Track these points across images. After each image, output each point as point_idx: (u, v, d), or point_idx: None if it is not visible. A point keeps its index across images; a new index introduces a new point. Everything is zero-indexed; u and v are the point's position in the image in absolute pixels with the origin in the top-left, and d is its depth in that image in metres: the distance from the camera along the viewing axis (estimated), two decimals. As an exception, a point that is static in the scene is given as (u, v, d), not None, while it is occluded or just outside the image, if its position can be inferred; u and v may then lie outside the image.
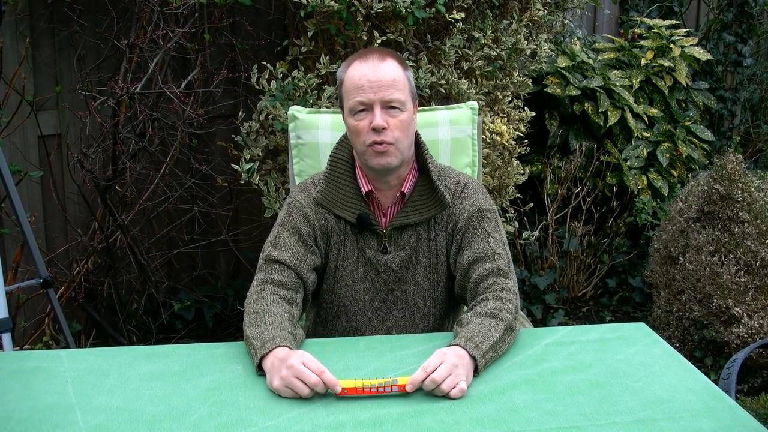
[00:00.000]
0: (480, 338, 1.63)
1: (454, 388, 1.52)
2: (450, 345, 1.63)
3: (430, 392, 1.53)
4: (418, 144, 1.94)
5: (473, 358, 1.59)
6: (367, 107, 1.82)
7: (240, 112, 3.17)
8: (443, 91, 3.15)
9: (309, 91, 3.01)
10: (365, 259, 1.92)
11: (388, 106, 1.81)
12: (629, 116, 4.07)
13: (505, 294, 1.78)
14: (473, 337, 1.63)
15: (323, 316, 2.00)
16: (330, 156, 1.96)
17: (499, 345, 1.67)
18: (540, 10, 3.41)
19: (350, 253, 1.93)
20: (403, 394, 1.53)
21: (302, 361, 1.54)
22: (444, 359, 1.55)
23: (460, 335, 1.65)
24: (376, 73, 1.81)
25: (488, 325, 1.68)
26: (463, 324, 1.71)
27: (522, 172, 3.50)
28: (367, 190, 1.91)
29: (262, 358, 1.60)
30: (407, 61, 3.01)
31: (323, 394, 1.53)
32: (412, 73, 1.91)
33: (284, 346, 1.61)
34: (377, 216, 1.92)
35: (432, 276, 1.94)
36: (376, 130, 1.80)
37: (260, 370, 1.62)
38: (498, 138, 3.29)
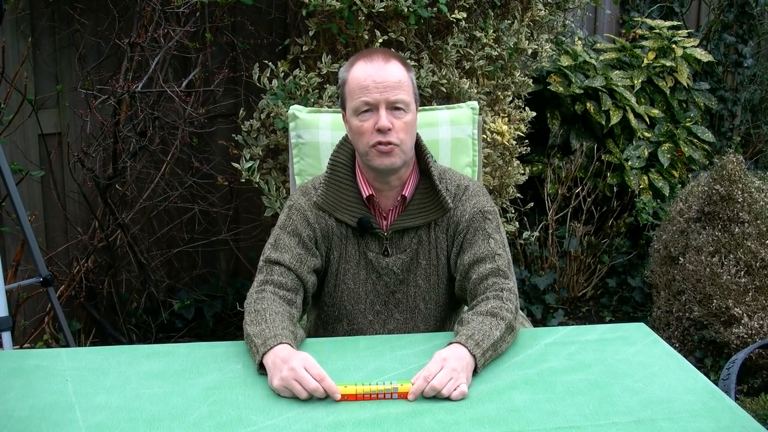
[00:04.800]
0: (481, 336, 1.64)
1: (455, 390, 1.52)
2: (450, 343, 1.63)
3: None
4: (419, 146, 1.93)
5: (473, 356, 1.59)
6: (372, 108, 1.81)
7: (241, 111, 3.18)
8: (444, 90, 3.15)
9: (310, 90, 3.01)
10: (366, 261, 1.92)
11: (393, 107, 1.81)
12: (631, 116, 4.07)
13: (505, 294, 1.78)
14: (474, 335, 1.63)
15: (324, 319, 2.00)
16: (330, 159, 1.95)
17: (499, 344, 1.67)
18: (541, 10, 3.41)
19: (351, 257, 1.92)
20: (402, 393, 1.53)
21: (304, 365, 1.53)
22: (444, 365, 1.55)
23: (460, 333, 1.65)
24: (381, 74, 1.80)
25: (489, 324, 1.68)
26: (463, 323, 1.71)
27: (522, 172, 3.50)
28: (367, 194, 1.90)
29: (264, 355, 1.60)
30: (409, 61, 3.02)
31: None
32: (414, 75, 1.91)
33: (286, 343, 1.61)
34: (378, 219, 1.92)
35: (432, 278, 1.94)
36: (381, 131, 1.80)
37: (261, 369, 1.62)
38: (499, 138, 3.29)
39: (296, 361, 1.54)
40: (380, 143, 1.81)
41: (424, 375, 1.53)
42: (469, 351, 1.60)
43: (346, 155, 1.94)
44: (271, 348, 1.60)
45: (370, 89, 1.80)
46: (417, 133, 1.92)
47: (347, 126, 1.90)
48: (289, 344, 1.62)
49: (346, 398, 1.51)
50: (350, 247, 1.92)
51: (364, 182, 1.91)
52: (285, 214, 1.93)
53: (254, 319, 1.71)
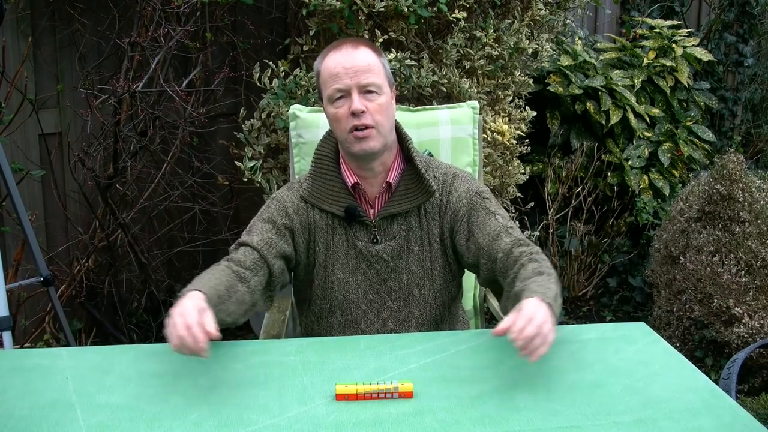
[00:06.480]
0: (543, 292, 1.58)
1: (549, 336, 1.49)
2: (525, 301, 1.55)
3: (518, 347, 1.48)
4: (401, 134, 1.95)
5: (549, 305, 1.54)
6: (345, 93, 1.83)
7: (241, 110, 3.18)
8: (444, 90, 3.15)
9: (311, 89, 3.01)
10: (356, 251, 1.93)
11: (365, 90, 1.83)
12: (631, 116, 4.06)
13: (536, 257, 1.75)
14: (538, 293, 1.57)
15: (318, 313, 2.00)
16: (314, 153, 1.98)
17: (557, 297, 1.63)
18: (542, 9, 3.41)
19: (339, 247, 1.93)
20: (403, 393, 1.53)
21: (186, 307, 1.53)
22: (537, 310, 1.50)
23: (527, 293, 1.59)
24: (350, 60, 1.83)
25: (541, 281, 1.63)
26: (519, 295, 1.63)
27: (523, 171, 3.50)
28: (352, 182, 1.92)
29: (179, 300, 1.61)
30: (409, 60, 3.02)
31: (323, 395, 1.53)
32: (387, 62, 1.92)
33: (201, 292, 1.61)
34: (365, 208, 1.93)
35: (426, 264, 1.95)
36: (356, 114, 1.82)
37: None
38: (499, 137, 3.29)
39: (188, 299, 1.55)
40: (356, 128, 1.83)
41: (520, 315, 1.48)
42: (546, 303, 1.54)
43: (329, 148, 1.96)
44: (187, 293, 1.60)
45: (341, 76, 1.83)
46: (396, 121, 1.93)
47: (327, 116, 1.91)
48: (204, 292, 1.61)
49: (347, 398, 1.51)
50: (337, 238, 1.93)
51: (348, 172, 1.93)
52: (266, 204, 1.98)
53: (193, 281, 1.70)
